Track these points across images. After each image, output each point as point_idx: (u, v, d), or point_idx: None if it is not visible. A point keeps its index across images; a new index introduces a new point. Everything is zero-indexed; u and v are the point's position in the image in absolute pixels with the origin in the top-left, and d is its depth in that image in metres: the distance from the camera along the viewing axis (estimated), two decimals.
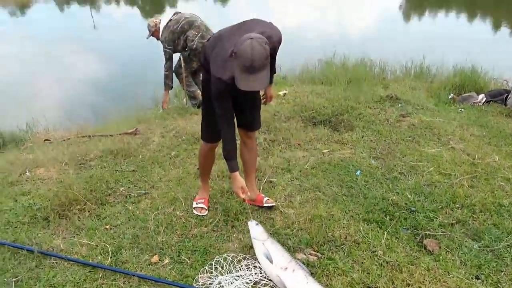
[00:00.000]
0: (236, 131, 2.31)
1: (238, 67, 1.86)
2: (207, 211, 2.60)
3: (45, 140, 3.98)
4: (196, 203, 2.63)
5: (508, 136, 3.63)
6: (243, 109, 2.39)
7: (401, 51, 7.27)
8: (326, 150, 3.40)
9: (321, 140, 3.57)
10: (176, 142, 3.55)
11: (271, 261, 2.02)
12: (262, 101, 2.55)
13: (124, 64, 8.07)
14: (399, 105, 4.29)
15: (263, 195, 2.67)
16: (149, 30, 4.66)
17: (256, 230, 2.15)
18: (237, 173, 2.21)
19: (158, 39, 4.68)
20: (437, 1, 16.51)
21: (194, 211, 2.60)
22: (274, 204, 2.62)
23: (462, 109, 4.33)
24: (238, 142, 2.35)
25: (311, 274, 2.04)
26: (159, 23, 4.68)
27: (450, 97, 4.70)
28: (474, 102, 4.46)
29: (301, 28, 12.50)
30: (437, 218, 2.54)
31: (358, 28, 12.55)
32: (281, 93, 4.63)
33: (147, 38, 4.75)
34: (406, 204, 2.67)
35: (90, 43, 10.46)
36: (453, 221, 2.51)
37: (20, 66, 8.54)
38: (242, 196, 2.21)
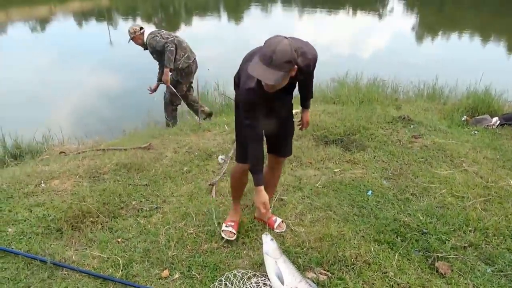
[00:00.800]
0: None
1: (258, 54, 1.82)
2: (235, 236, 2.49)
3: (60, 152, 4.06)
4: (226, 226, 2.53)
5: None
6: (277, 135, 2.38)
7: (413, 72, 7.31)
8: (338, 170, 3.40)
9: (332, 159, 3.58)
10: (189, 158, 3.60)
11: (282, 282, 2.02)
12: (298, 127, 2.58)
13: (138, 79, 8.24)
14: (412, 126, 4.29)
15: (274, 218, 2.65)
16: (129, 35, 5.05)
17: (270, 246, 2.12)
18: (261, 187, 2.16)
19: (140, 45, 5.10)
20: (450, 24, 16.58)
21: (222, 234, 2.49)
22: (284, 229, 2.60)
23: (476, 132, 4.30)
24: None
25: None
26: (139, 30, 5.05)
27: (463, 119, 4.69)
28: (487, 125, 4.43)
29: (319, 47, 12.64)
30: (449, 240, 2.51)
31: (370, 48, 12.65)
32: (293, 112, 4.66)
33: (127, 42, 5.14)
34: (418, 225, 2.65)
35: (106, 58, 10.75)
36: (466, 244, 2.48)
37: (37, 78, 8.78)
38: (263, 211, 2.18)
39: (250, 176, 2.30)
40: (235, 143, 2.50)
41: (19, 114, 6.35)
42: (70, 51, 11.21)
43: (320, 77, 6.92)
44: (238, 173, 2.45)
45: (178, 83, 5.00)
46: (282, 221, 2.65)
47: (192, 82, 5.25)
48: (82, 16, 20.96)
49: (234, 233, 2.50)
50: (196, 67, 5.14)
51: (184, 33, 16.21)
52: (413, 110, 5.06)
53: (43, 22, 19.70)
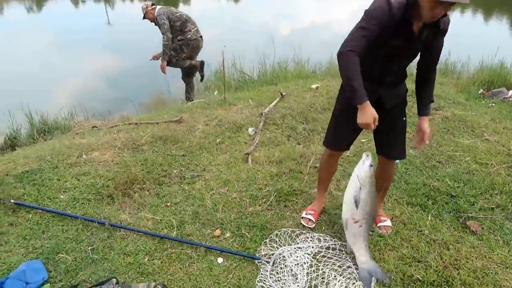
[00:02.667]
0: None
1: None
2: (314, 224, 2.45)
3: (93, 127, 4.20)
4: (306, 213, 2.50)
5: None
6: (385, 130, 2.11)
7: None
8: (365, 140, 3.55)
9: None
10: (220, 130, 3.74)
11: (356, 206, 2.05)
12: (415, 142, 2.26)
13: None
14: None
15: (384, 217, 2.48)
16: (142, 11, 5.29)
17: (365, 171, 2.01)
18: (366, 104, 1.83)
19: (151, 21, 5.30)
20: None
21: (301, 221, 2.47)
22: (388, 232, 2.41)
23: (493, 104, 4.43)
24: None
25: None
26: (150, 6, 5.27)
27: (479, 92, 4.81)
28: (504, 97, 4.56)
29: (325, 23, 12.64)
30: (477, 202, 2.68)
31: None
32: (313, 86, 4.78)
33: (142, 19, 5.34)
34: (446, 189, 2.82)
35: (112, 37, 10.76)
36: (493, 206, 2.66)
37: (55, 58, 8.84)
38: (373, 127, 1.85)
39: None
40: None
41: (41, 93, 6.46)
42: (72, 32, 11.19)
43: (334, 52, 7.04)
44: (324, 158, 2.41)
45: (181, 50, 5.33)
46: (389, 226, 2.44)
47: (202, 65, 5.54)
48: None
49: (314, 222, 2.46)
50: (202, 45, 5.43)
51: (190, 11, 16.14)
52: None
53: (40, 1, 19.45)
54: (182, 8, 17.27)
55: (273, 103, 4.24)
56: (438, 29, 1.88)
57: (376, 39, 1.81)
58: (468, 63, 6.42)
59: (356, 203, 2.05)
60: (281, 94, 4.45)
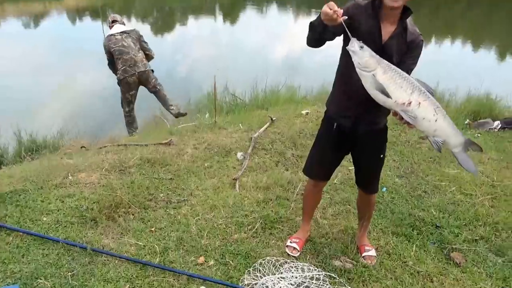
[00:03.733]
0: None
1: None
2: (298, 253, 2.45)
3: (81, 147, 4.18)
4: (290, 242, 2.50)
5: None
6: (361, 162, 2.28)
7: (413, 76, 7.52)
8: (352, 167, 3.56)
9: (346, 157, 3.73)
10: (209, 154, 3.74)
11: (388, 95, 1.70)
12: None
13: None
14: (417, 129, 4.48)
15: (368, 247, 2.48)
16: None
17: (361, 57, 1.72)
18: None
19: None
20: (445, 28, 16.94)
21: (286, 249, 2.47)
22: (373, 263, 2.40)
23: (479, 134, 4.51)
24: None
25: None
26: (110, 23, 5.25)
27: (466, 122, 4.90)
28: (490, 128, 4.65)
29: (318, 49, 12.86)
30: (461, 234, 2.70)
31: None
32: (304, 112, 4.84)
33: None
34: (431, 220, 2.84)
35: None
36: (477, 237, 2.68)
37: (43, 75, 8.85)
38: (330, 11, 1.70)
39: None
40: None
41: (29, 110, 6.44)
42: (66, 49, 11.25)
43: (326, 77, 7.16)
44: (309, 188, 2.44)
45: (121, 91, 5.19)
46: (374, 256, 2.44)
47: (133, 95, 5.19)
48: (76, 13, 20.95)
49: (298, 251, 2.45)
50: (138, 81, 5.06)
51: (181, 33, 16.40)
52: None
53: (37, 19, 19.63)
54: (178, 29, 17.59)
55: (263, 128, 4.28)
56: (405, 39, 1.92)
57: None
58: (456, 93, 6.55)
59: (384, 90, 1.70)
60: (271, 119, 4.49)
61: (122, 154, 3.68)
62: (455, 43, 14.31)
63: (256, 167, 3.57)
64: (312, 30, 1.92)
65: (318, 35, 1.92)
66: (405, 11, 1.90)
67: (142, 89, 5.33)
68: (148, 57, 5.30)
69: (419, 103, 1.69)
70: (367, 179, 2.33)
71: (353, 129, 2.11)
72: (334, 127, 2.16)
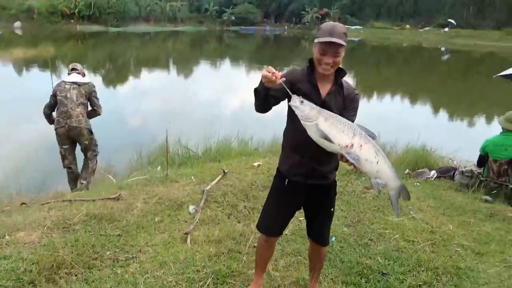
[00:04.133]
0: None
1: (319, 35, 1.97)
2: None
3: (22, 203, 3.94)
4: None
5: (458, 208, 4.11)
6: (313, 216, 2.36)
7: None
8: (302, 218, 3.65)
9: None
10: (160, 208, 3.68)
11: (331, 141, 1.83)
12: None
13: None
14: (363, 178, 4.73)
15: None
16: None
17: (303, 110, 1.87)
18: None
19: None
20: (385, 85, 18.46)
21: None
22: None
23: (418, 183, 4.84)
24: None
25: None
26: (70, 70, 5.11)
27: (406, 172, 5.25)
28: (427, 177, 5.02)
29: None
30: (406, 280, 2.81)
31: None
32: (255, 164, 4.96)
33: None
34: (378, 267, 2.94)
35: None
36: (421, 283, 2.80)
37: None
38: (269, 74, 1.88)
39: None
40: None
41: None
42: (10, 98, 10.85)
43: (277, 129, 7.44)
44: (261, 243, 2.46)
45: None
46: None
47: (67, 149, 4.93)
48: (24, 64, 20.47)
49: None
50: (68, 135, 4.83)
51: (134, 86, 16.45)
52: None
53: None
54: (131, 82, 17.64)
55: (215, 181, 4.31)
56: (342, 94, 2.09)
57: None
58: (396, 145, 7.05)
59: (328, 139, 1.83)
60: (224, 171, 4.55)
61: (66, 210, 3.51)
62: (394, 98, 15.56)
63: (208, 220, 3.55)
64: (256, 96, 2.06)
65: (262, 101, 2.06)
66: (340, 72, 2.10)
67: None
68: (95, 113, 5.13)
69: (361, 145, 1.82)
70: (319, 232, 2.40)
71: (305, 185, 2.20)
72: (286, 183, 2.25)
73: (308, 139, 1.94)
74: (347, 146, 1.82)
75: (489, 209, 4.08)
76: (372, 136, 1.89)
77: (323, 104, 2.05)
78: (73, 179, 5.08)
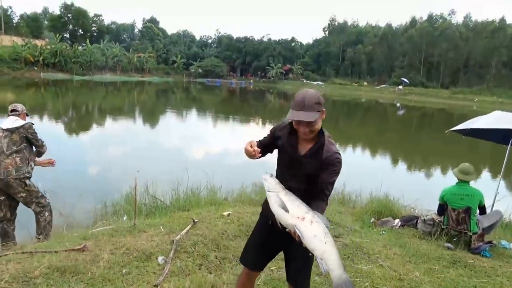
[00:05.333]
0: None
1: (291, 107, 2.15)
2: None
3: None
4: None
5: (423, 255, 4.25)
6: (292, 259, 2.41)
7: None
8: (274, 268, 3.65)
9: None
10: (127, 259, 3.54)
11: (286, 211, 2.00)
12: None
13: (56, 178, 7.88)
14: (332, 227, 4.83)
15: None
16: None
17: (270, 182, 2.13)
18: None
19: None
20: (345, 137, 19.28)
21: None
22: None
23: (383, 232, 4.99)
24: None
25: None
26: (10, 111, 4.63)
27: (371, 221, 5.41)
28: (392, 226, 5.19)
29: (237, 152, 13.55)
30: None
31: None
32: (225, 213, 4.94)
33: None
34: None
35: None
36: None
37: None
38: (250, 149, 2.22)
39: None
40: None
41: None
42: None
43: (245, 180, 7.51)
44: (243, 281, 2.51)
45: None
46: None
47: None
48: None
49: None
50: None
51: (97, 134, 16.20)
52: (329, 213, 5.68)
53: None
54: (95, 129, 17.35)
55: (185, 230, 4.24)
56: (321, 156, 2.19)
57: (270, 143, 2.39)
58: (360, 194, 7.29)
59: (284, 208, 2.02)
60: (193, 221, 4.50)
61: (26, 263, 3.31)
62: (356, 150, 16.21)
63: (178, 272, 3.45)
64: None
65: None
66: (323, 133, 2.24)
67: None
68: (40, 152, 4.71)
69: (312, 221, 1.95)
70: (296, 275, 2.43)
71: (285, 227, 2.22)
72: (270, 223, 2.33)
73: (292, 187, 2.15)
74: (298, 217, 1.98)
75: (451, 256, 4.25)
76: (327, 225, 1.98)
77: (300, 160, 2.23)
78: (2, 234, 4.56)
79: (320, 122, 2.19)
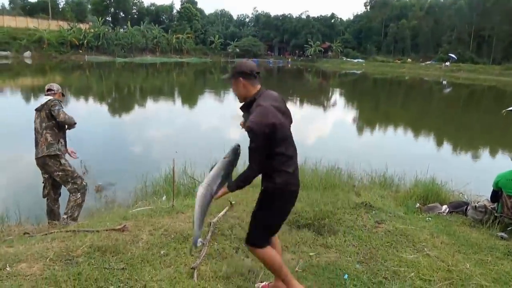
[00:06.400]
0: None
1: None
2: None
3: (25, 233, 3.83)
4: None
5: (474, 245, 3.96)
6: None
7: (361, 159, 8.02)
8: (313, 253, 3.54)
9: (306, 243, 3.72)
10: (166, 241, 3.56)
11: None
12: None
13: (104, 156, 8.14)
14: (373, 212, 4.62)
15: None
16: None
17: (230, 151, 2.62)
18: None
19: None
20: (388, 118, 18.54)
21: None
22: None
23: (429, 218, 4.71)
24: None
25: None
26: (46, 90, 4.73)
27: (417, 206, 5.13)
28: (439, 212, 4.89)
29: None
30: None
31: (328, 137, 13.65)
32: None
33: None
34: None
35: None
36: None
37: None
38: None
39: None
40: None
41: None
42: (14, 125, 10.90)
43: None
44: (271, 254, 2.62)
45: None
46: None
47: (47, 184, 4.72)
48: (31, 92, 20.77)
49: None
50: (40, 165, 4.60)
51: (139, 115, 16.58)
52: (371, 197, 5.46)
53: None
54: (137, 110, 17.80)
55: (222, 212, 4.21)
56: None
57: None
58: (404, 177, 6.95)
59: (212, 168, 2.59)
60: (230, 203, 4.45)
61: (70, 242, 3.41)
62: (399, 130, 15.55)
63: (215, 254, 3.42)
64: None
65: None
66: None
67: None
68: (64, 124, 4.55)
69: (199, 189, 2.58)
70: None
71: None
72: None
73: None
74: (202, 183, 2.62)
75: (506, 247, 3.93)
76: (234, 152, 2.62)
77: None
78: (48, 212, 4.80)
79: (239, 89, 2.57)
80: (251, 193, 5.07)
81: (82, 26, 58.32)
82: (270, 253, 2.59)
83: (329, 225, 4.13)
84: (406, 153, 11.13)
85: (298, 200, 4.82)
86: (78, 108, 16.46)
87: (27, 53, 48.71)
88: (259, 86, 2.58)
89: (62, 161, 4.57)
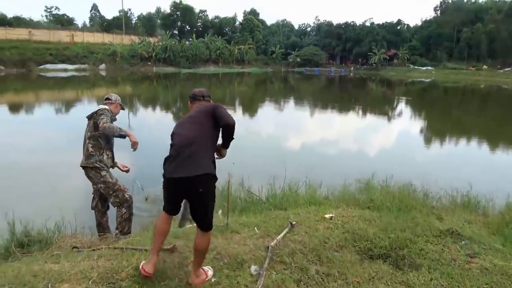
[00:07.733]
0: None
1: None
2: None
3: (73, 247, 3.67)
4: None
5: None
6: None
7: (436, 175, 7.10)
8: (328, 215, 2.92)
9: (383, 279, 3.10)
10: (217, 266, 3.16)
11: None
12: None
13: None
14: (463, 242, 3.85)
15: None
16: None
17: None
18: None
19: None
20: (456, 128, 16.84)
21: None
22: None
23: None
24: None
25: None
26: (105, 99, 4.56)
27: None
28: None
29: (332, 146, 12.72)
30: None
31: (392, 150, 12.63)
32: (327, 216, 4.31)
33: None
34: None
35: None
36: None
37: (55, 159, 8.71)
38: None
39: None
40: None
41: (31, 199, 6.10)
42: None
43: (347, 176, 6.73)
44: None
45: None
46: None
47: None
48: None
49: None
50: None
51: None
52: (456, 222, 4.64)
53: (69, 105, 20.67)
54: None
55: (282, 234, 3.73)
56: None
57: None
58: (492, 198, 5.96)
59: None
60: (291, 223, 3.96)
61: (116, 261, 3.14)
62: (471, 143, 13.95)
63: (273, 286, 2.95)
64: None
65: None
66: None
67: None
68: (107, 131, 4.13)
69: None
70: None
71: None
72: None
73: None
74: None
75: None
76: None
77: None
78: (97, 225, 4.67)
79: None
80: (313, 213, 4.54)
81: (152, 39, 61.63)
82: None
83: (409, 257, 3.46)
84: (488, 169, 9.82)
85: (367, 222, 4.23)
86: (145, 117, 17.02)
87: (102, 66, 52.40)
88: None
89: (103, 172, 4.36)
